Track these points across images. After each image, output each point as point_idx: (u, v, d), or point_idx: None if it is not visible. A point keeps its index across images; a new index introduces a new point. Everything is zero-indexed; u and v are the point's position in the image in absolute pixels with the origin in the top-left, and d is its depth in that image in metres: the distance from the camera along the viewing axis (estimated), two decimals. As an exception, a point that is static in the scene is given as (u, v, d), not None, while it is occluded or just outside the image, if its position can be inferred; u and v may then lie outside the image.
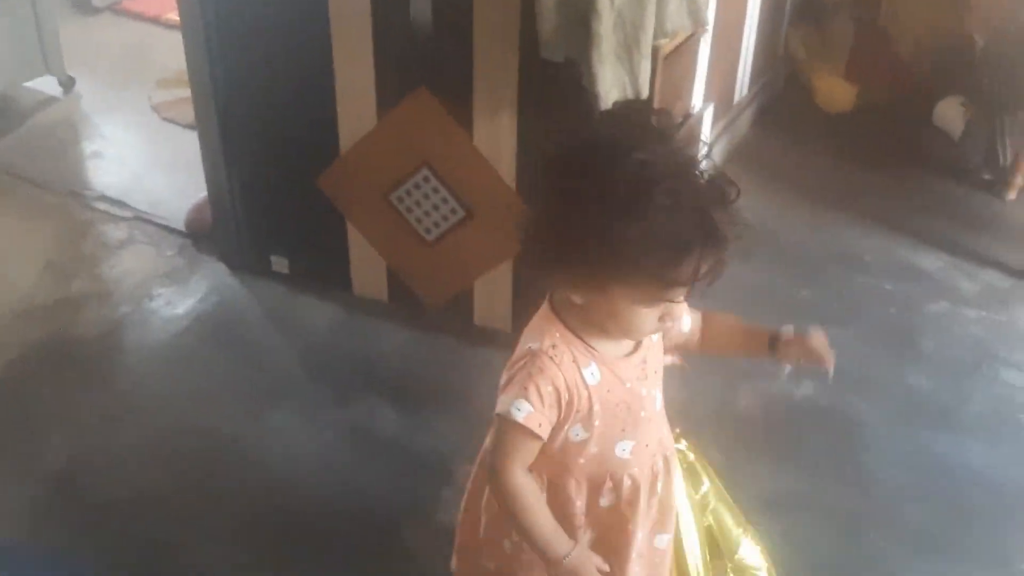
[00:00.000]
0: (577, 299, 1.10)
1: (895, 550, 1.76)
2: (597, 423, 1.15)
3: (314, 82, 2.07)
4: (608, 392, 1.14)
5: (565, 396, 1.11)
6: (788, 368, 1.29)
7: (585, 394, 1.13)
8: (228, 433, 1.96)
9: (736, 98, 2.99)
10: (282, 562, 1.71)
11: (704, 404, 2.01)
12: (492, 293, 2.17)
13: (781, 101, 3.34)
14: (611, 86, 1.70)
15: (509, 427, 1.12)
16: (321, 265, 2.35)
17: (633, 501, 1.22)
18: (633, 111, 1.30)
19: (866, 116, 3.21)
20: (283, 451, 1.93)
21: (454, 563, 1.45)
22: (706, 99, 2.62)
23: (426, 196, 2.10)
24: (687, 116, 2.47)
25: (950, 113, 3.06)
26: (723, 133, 2.91)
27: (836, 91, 3.26)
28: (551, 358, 1.11)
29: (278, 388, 2.10)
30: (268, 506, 1.81)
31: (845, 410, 2.07)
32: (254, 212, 2.35)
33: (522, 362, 1.13)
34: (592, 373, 1.13)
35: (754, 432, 2.02)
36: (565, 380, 1.11)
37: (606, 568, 1.20)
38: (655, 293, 1.04)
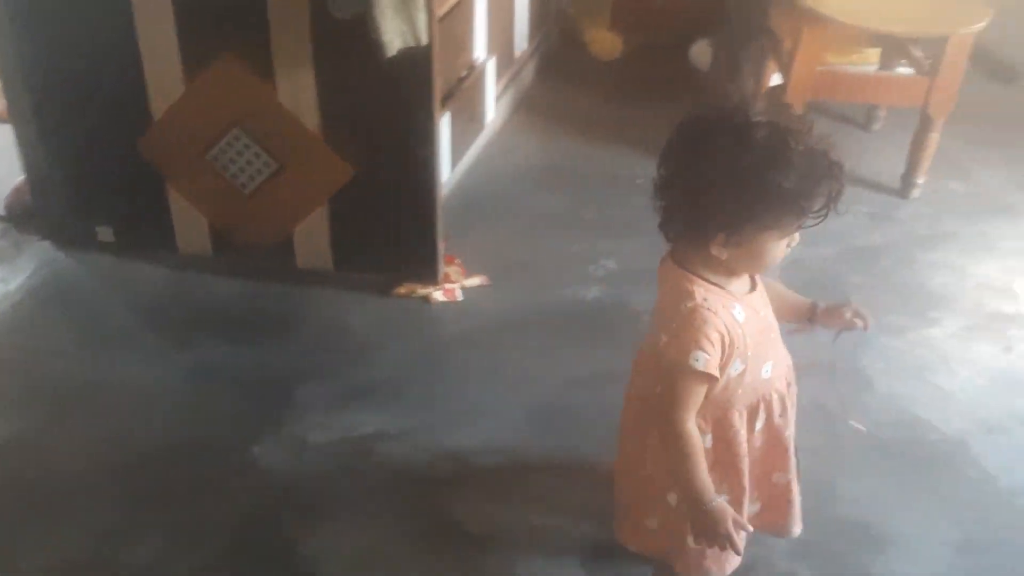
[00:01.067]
0: (724, 255, 1.27)
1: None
2: (750, 353, 1.34)
3: (120, 53, 2.20)
4: (752, 324, 1.34)
5: (727, 338, 1.29)
6: (833, 333, 1.50)
7: (740, 331, 1.31)
8: (78, 383, 2.11)
9: (517, 52, 3.31)
10: (143, 491, 1.86)
11: (525, 309, 2.36)
12: (312, 236, 2.39)
13: (559, 53, 3.72)
14: (393, 36, 1.96)
15: (689, 377, 1.29)
16: (145, 230, 2.49)
17: (783, 412, 1.45)
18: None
19: (633, 61, 3.65)
20: (133, 395, 2.09)
21: (619, 528, 1.59)
22: (489, 52, 2.93)
23: (239, 153, 2.29)
24: (472, 67, 2.78)
25: (701, 52, 3.52)
26: (509, 84, 3.23)
27: (605, 41, 3.68)
28: (708, 309, 1.29)
29: (119, 340, 2.25)
30: (128, 444, 1.96)
31: (628, 303, 2.43)
32: (74, 186, 2.46)
33: (681, 319, 1.29)
34: (739, 312, 1.33)
35: (562, 327, 2.35)
36: (725, 324, 1.29)
37: (742, 520, 1.36)
38: (794, 224, 1.26)
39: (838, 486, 1.88)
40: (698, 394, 1.31)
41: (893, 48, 3.04)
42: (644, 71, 3.61)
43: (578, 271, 2.53)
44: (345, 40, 2.06)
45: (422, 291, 2.37)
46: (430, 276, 2.39)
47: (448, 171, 2.70)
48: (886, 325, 2.33)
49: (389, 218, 2.33)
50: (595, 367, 2.19)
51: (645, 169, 3.09)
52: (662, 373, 1.33)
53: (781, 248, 1.30)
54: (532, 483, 1.88)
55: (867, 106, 3.31)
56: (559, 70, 3.64)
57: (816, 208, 1.24)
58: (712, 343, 1.27)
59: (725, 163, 1.21)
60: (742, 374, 1.35)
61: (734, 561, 1.49)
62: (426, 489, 1.86)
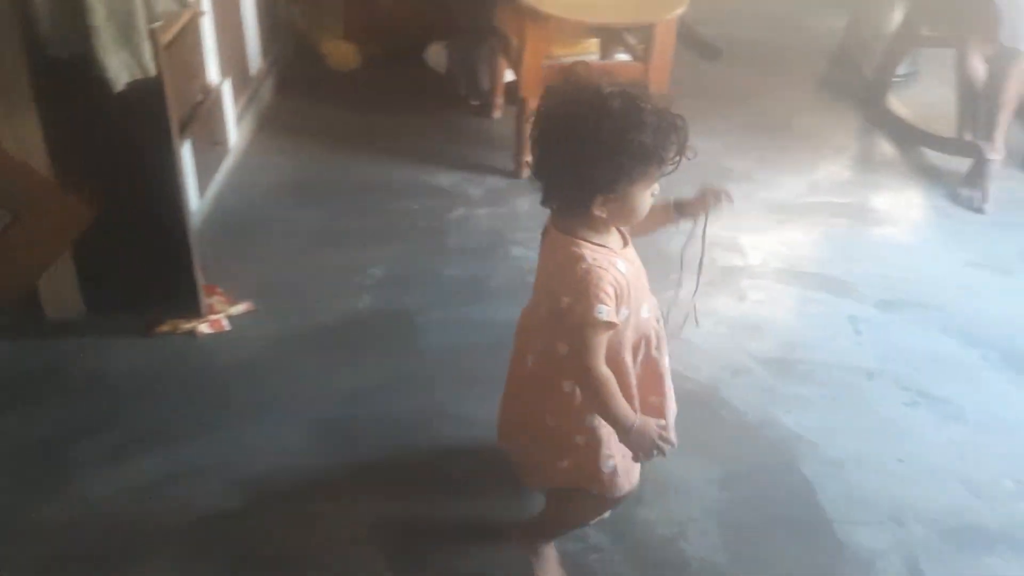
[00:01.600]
0: (604, 213, 1.43)
1: (454, 388, 2.20)
2: (632, 299, 1.49)
3: None
4: (631, 274, 1.50)
5: (617, 289, 1.45)
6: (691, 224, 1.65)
7: (624, 282, 1.47)
8: None
9: (252, 70, 3.27)
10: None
11: (297, 329, 2.35)
12: (59, 285, 2.27)
13: (297, 68, 3.71)
14: (119, 70, 1.90)
15: (597, 328, 1.43)
16: None
17: (658, 345, 1.62)
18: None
19: (371, 69, 3.71)
20: None
21: (529, 480, 1.75)
22: (223, 74, 2.88)
23: (-34, 208, 2.13)
24: (207, 91, 2.73)
25: (437, 55, 3.63)
26: (249, 104, 3.19)
27: (341, 52, 3.71)
28: (599, 267, 1.44)
29: None
30: None
31: (401, 306, 2.49)
32: None
33: (579, 281, 1.43)
34: (621, 265, 1.48)
35: (338, 341, 2.36)
36: (614, 278, 1.44)
37: (664, 424, 1.53)
38: (657, 173, 1.42)
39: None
40: (604, 342, 1.47)
41: (610, 38, 3.29)
42: (384, 78, 3.68)
43: (346, 283, 2.56)
44: (69, 78, 1.97)
45: (186, 326, 2.31)
46: (192, 309, 2.33)
47: (197, 199, 2.65)
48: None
49: (141, 256, 2.26)
50: (377, 375, 2.23)
51: (399, 174, 3.21)
52: (567, 332, 1.48)
53: (648, 197, 1.47)
54: (324, 500, 1.90)
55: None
56: (298, 85, 3.63)
57: (671, 156, 1.42)
58: (609, 296, 1.44)
59: (593, 134, 1.37)
60: (628, 318, 1.51)
61: (637, 471, 1.67)
62: (221, 523, 1.83)
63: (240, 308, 2.40)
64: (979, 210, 3.06)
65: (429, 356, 2.32)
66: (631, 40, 3.13)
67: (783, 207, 3.04)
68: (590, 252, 1.46)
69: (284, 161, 3.14)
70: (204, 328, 2.32)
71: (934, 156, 3.43)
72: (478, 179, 3.12)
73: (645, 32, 2.96)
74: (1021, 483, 2.03)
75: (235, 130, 3.01)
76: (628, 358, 1.57)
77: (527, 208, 2.97)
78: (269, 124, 3.33)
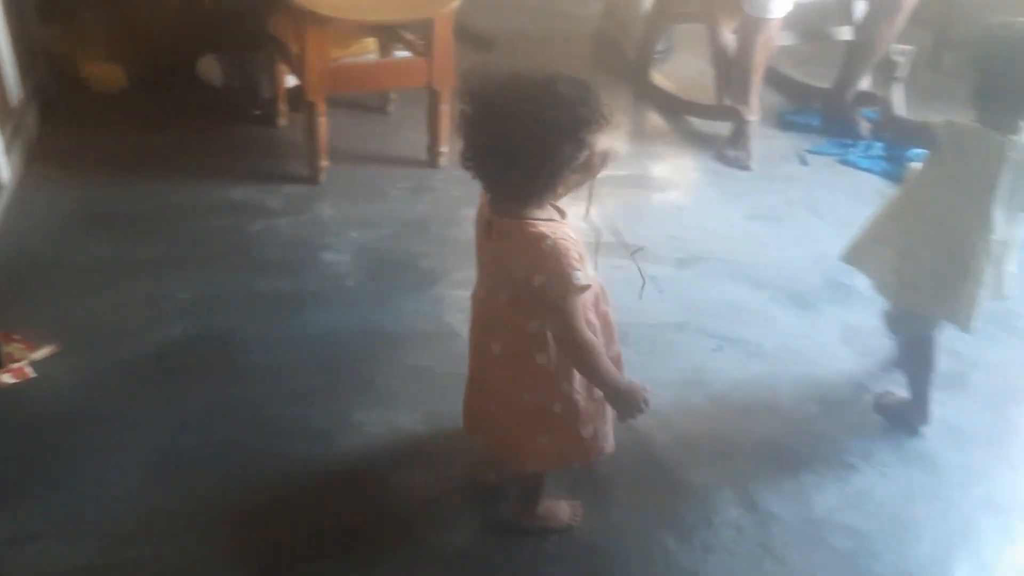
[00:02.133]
0: (561, 191, 1.55)
1: (284, 404, 2.18)
2: (587, 263, 1.56)
3: None
4: (580, 242, 1.57)
5: (581, 256, 1.53)
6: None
7: (581, 250, 1.55)
8: None
9: (13, 101, 3.04)
10: None
11: (110, 366, 2.21)
12: None
13: (61, 95, 3.46)
14: None
15: (576, 294, 1.53)
16: None
17: (604, 297, 1.72)
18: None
19: (143, 88, 3.54)
20: None
21: (514, 462, 1.79)
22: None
23: None
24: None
25: (210, 68, 3.51)
26: (14, 137, 2.96)
27: (104, 73, 3.51)
28: (561, 239, 1.51)
29: None
30: None
31: (216, 328, 2.41)
32: None
33: (548, 256, 1.50)
34: (572, 232, 1.56)
35: (156, 372, 2.26)
36: (575, 248, 1.53)
37: (645, 386, 1.63)
38: (597, 138, 1.49)
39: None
40: (581, 304, 1.58)
41: (388, 36, 3.32)
42: (156, 97, 3.51)
43: (154, 311, 2.45)
44: None
45: (-14, 379, 2.15)
46: (-11, 361, 2.16)
47: (-26, 245, 2.44)
48: (456, 281, 2.60)
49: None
50: (204, 402, 2.16)
51: (192, 194, 3.09)
52: (548, 307, 1.55)
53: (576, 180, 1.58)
54: (179, 536, 1.84)
55: (378, 92, 3.57)
56: (65, 112, 3.39)
57: (603, 120, 1.50)
58: (578, 261, 1.52)
59: (553, 117, 1.44)
60: (588, 281, 1.58)
61: (612, 436, 1.79)
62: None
63: (43, 352, 2.25)
64: (746, 167, 3.35)
65: (253, 375, 2.27)
66: (410, 37, 3.18)
67: (576, 184, 3.19)
68: (546, 228, 1.53)
69: (64, 193, 2.94)
70: (6, 378, 2.15)
71: (699, 123, 3.71)
72: (274, 189, 3.06)
73: (423, 28, 3.01)
74: (821, 404, 2.27)
75: (4, 166, 2.79)
76: (593, 317, 1.67)
77: (330, 213, 2.96)
78: (41, 156, 3.10)
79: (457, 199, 3.05)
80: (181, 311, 2.47)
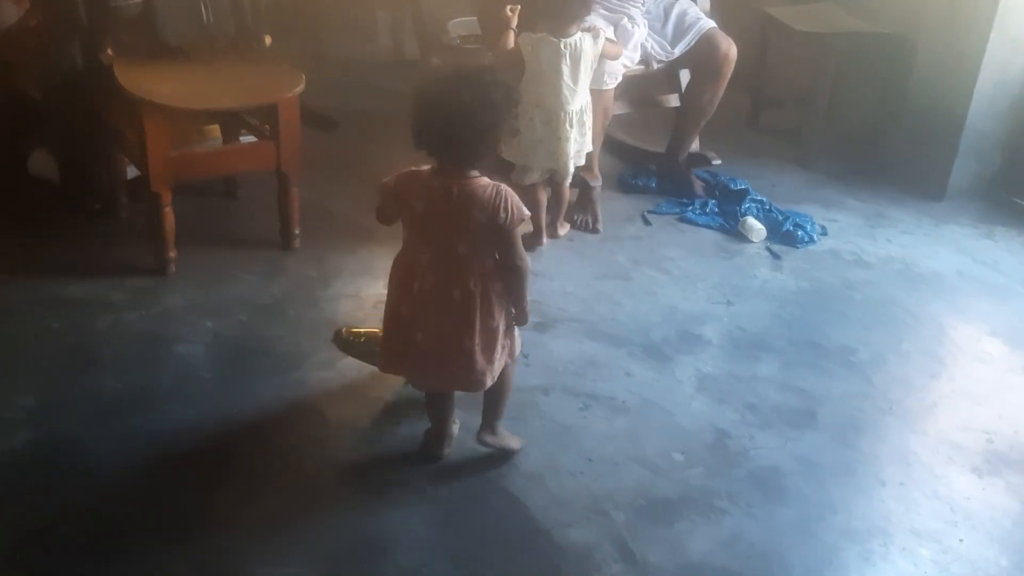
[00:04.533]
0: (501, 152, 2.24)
1: (140, 518, 2.09)
2: None
3: None
4: None
5: None
6: None
7: None
8: None
9: None
10: None
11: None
12: None
13: None
14: None
15: (523, 225, 2.03)
16: None
17: None
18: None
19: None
20: None
21: (480, 387, 2.14)
22: None
23: None
24: None
25: (43, 163, 3.37)
26: None
27: (-75, 174, 3.30)
28: (503, 185, 2.00)
29: None
30: None
31: (66, 435, 2.28)
32: None
33: (505, 200, 1.97)
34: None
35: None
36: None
37: None
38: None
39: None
40: None
41: (232, 121, 3.28)
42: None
43: (-8, 423, 2.30)
44: None
45: None
46: None
47: None
48: (317, 363, 2.57)
49: None
50: (50, 516, 2.03)
51: (38, 296, 2.93)
52: (507, 238, 2.02)
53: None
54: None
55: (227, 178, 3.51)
56: None
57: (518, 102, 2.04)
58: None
59: (504, 102, 1.96)
60: None
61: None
62: None
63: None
64: (594, 230, 3.47)
65: (107, 483, 2.16)
66: (254, 121, 3.16)
67: (430, 257, 3.22)
68: (489, 181, 2.00)
69: None
70: None
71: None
72: (119, 283, 2.94)
73: (267, 112, 3.00)
74: (686, 453, 2.34)
75: None
76: None
77: (181, 303, 2.87)
78: None
79: (313, 279, 3.02)
80: (24, 419, 2.32)
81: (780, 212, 3.53)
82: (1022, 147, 3.72)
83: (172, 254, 2.96)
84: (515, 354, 2.23)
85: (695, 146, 3.80)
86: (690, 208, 3.60)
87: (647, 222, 3.55)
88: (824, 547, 2.08)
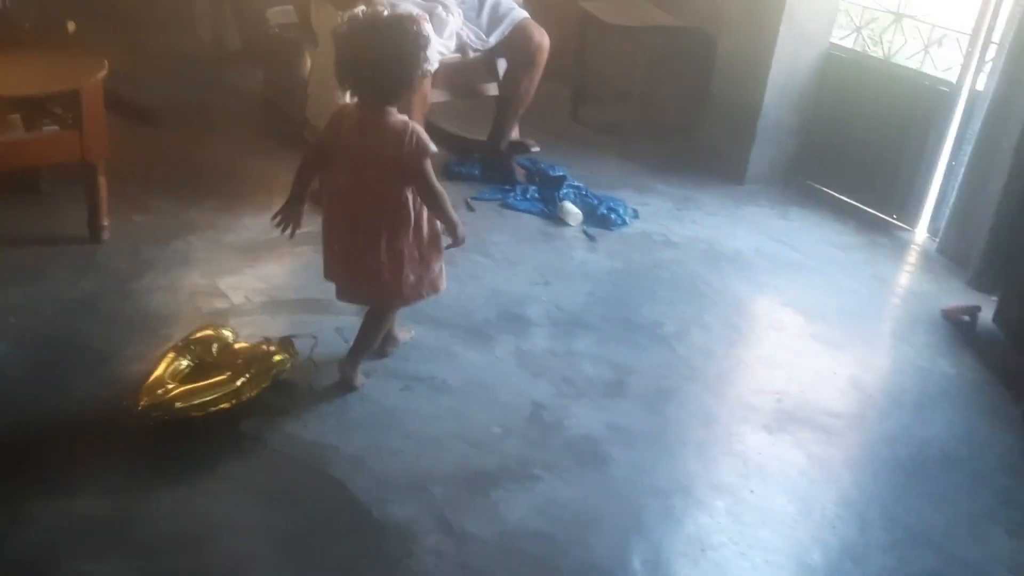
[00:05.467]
0: (410, 93, 2.46)
1: None
2: None
3: None
4: None
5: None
6: None
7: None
8: None
9: None
10: None
11: None
12: None
13: None
14: None
15: (430, 155, 2.27)
16: None
17: None
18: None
19: None
20: None
21: (399, 307, 2.55)
22: None
23: None
24: None
25: None
26: None
27: None
28: (415, 123, 2.28)
29: None
30: None
31: None
32: None
33: (412, 133, 2.24)
34: None
35: None
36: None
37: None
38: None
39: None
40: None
41: (33, 110, 3.13)
42: None
43: None
44: None
45: None
46: None
47: None
48: (131, 356, 2.51)
49: None
50: None
51: None
52: (411, 170, 2.27)
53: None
54: None
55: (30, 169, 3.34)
56: None
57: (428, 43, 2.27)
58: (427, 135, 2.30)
59: (405, 43, 2.21)
60: None
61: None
62: None
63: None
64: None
65: None
66: (57, 110, 3.03)
67: (252, 246, 3.19)
68: (401, 117, 2.27)
69: None
70: None
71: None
72: None
73: (70, 100, 2.89)
74: (504, 426, 2.44)
75: None
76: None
77: None
78: None
79: (124, 272, 2.93)
80: None
81: (595, 197, 3.70)
82: (813, 133, 4.03)
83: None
84: (438, 288, 2.51)
85: (515, 134, 3.91)
86: (512, 194, 3.71)
87: (471, 208, 3.63)
88: (631, 506, 2.22)
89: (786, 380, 2.75)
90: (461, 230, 2.37)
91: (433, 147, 2.26)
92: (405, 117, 2.28)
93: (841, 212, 3.88)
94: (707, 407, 2.60)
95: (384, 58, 2.19)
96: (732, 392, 2.68)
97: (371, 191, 2.31)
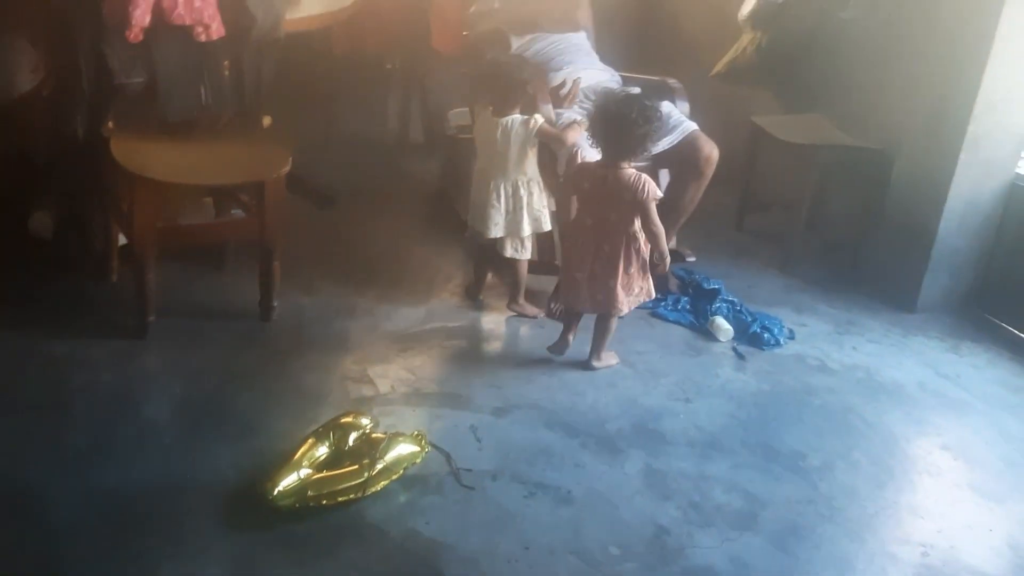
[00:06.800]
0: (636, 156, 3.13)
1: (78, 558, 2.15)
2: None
3: None
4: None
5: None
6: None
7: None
8: None
9: None
10: None
11: None
12: None
13: None
14: None
15: (656, 199, 3.01)
16: None
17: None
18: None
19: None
20: None
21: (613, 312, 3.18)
22: None
23: None
24: None
25: (42, 224, 3.52)
26: None
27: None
28: (644, 175, 3.05)
29: None
30: None
31: (25, 484, 2.36)
32: None
33: (644, 182, 2.98)
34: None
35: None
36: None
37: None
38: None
39: None
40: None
41: (223, 196, 3.43)
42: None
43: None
44: None
45: None
46: None
47: None
48: (277, 433, 2.67)
49: None
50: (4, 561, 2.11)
51: (8, 346, 3.02)
52: (641, 209, 3.00)
53: None
54: None
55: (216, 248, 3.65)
56: None
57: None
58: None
59: (641, 122, 2.96)
60: None
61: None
62: None
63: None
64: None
65: (59, 533, 2.24)
66: (244, 197, 3.30)
67: (404, 336, 3.32)
68: (634, 170, 3.03)
69: None
70: None
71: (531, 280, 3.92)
72: (99, 342, 3.05)
73: (255, 189, 3.14)
74: (623, 547, 2.39)
75: None
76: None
77: (155, 366, 2.98)
78: None
79: (285, 352, 3.12)
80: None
81: (750, 313, 3.61)
82: (995, 265, 3.80)
83: (151, 318, 3.08)
84: (651, 295, 3.24)
85: (672, 243, 3.90)
86: (663, 304, 3.68)
87: (740, 356, 3.46)
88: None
89: (935, 532, 2.55)
90: (668, 258, 3.11)
91: (659, 192, 2.99)
92: (634, 170, 3.00)
93: (1020, 351, 3.61)
94: (843, 552, 2.45)
95: (630, 127, 2.93)
96: (873, 539, 2.51)
97: (612, 229, 3.03)
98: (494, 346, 3.42)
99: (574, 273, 3.14)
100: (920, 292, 3.82)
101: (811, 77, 4.41)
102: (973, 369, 3.47)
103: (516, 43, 3.93)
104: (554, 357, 3.25)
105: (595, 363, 3.22)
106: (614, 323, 3.21)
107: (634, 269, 3.09)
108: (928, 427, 3.08)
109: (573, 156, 3.39)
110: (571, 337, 3.27)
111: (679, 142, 3.65)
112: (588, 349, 3.22)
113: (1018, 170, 3.70)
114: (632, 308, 3.18)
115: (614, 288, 3.07)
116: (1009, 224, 3.72)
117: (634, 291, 3.14)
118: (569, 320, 3.29)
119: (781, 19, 4.37)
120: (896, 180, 3.91)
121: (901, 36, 3.94)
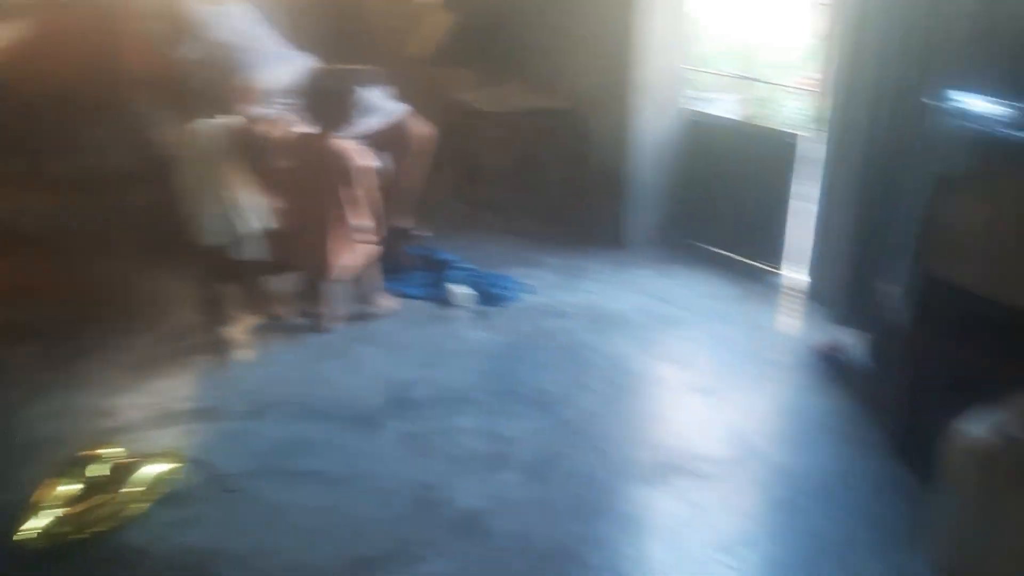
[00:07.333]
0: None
1: None
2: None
3: None
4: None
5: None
6: None
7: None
8: None
9: None
10: None
11: None
12: None
13: None
14: None
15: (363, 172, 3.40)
16: None
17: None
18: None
19: None
20: None
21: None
22: None
23: None
24: None
25: None
26: None
27: None
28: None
29: None
30: None
31: None
32: None
33: (348, 151, 3.34)
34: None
35: None
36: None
37: None
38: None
39: None
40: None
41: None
42: None
43: None
44: None
45: None
46: None
47: None
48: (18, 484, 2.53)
49: None
50: None
51: None
52: (348, 176, 3.27)
53: None
54: None
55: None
56: None
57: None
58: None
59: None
60: None
61: None
62: None
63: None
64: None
65: None
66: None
67: (143, 362, 3.23)
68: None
69: None
70: None
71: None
72: None
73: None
74: (392, 511, 2.49)
75: None
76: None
77: None
78: None
79: (15, 406, 2.95)
80: None
81: (484, 276, 3.82)
82: (686, 195, 4.23)
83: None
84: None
85: (406, 222, 4.03)
86: (401, 281, 3.81)
87: None
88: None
89: (667, 433, 2.86)
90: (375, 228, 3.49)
91: (373, 162, 3.39)
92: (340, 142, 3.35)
93: (720, 266, 4.05)
94: (590, 467, 2.69)
95: (341, 101, 3.36)
96: (613, 450, 2.77)
97: (322, 196, 3.28)
98: (240, 355, 3.41)
99: (296, 241, 3.34)
100: (626, 229, 4.19)
101: (507, 49, 4.68)
102: (684, 288, 3.87)
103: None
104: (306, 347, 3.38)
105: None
106: (336, 285, 3.48)
107: (344, 235, 3.31)
108: (652, 345, 3.41)
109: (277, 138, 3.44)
110: (326, 309, 3.50)
111: (392, 124, 3.78)
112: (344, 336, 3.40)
113: (683, 105, 4.15)
114: (350, 273, 3.44)
115: (326, 253, 3.31)
116: (688, 155, 4.17)
117: (347, 256, 3.35)
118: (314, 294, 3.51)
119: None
120: (592, 133, 4.26)
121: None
